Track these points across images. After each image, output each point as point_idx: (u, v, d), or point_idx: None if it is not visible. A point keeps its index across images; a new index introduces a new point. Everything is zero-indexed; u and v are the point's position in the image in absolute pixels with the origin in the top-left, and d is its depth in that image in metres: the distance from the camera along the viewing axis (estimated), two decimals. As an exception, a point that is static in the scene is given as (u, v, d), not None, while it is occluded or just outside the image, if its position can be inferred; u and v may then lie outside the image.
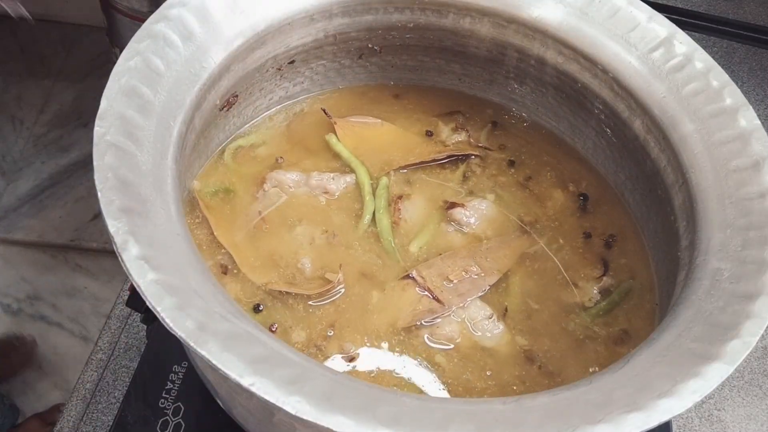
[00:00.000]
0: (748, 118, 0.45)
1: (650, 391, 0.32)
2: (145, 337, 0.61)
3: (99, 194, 0.35)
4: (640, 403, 0.31)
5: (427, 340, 0.47)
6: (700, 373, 0.33)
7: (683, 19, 0.88)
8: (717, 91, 0.46)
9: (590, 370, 0.46)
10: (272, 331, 0.46)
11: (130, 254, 0.33)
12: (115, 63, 0.41)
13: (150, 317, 0.58)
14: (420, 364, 0.46)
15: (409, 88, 0.61)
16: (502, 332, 0.48)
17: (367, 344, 0.46)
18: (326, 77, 0.59)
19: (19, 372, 1.40)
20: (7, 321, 1.48)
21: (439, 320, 0.47)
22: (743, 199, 0.42)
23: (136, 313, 0.64)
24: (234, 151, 0.55)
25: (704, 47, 0.49)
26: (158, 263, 0.33)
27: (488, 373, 0.46)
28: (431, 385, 0.45)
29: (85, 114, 1.82)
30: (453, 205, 0.53)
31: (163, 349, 0.57)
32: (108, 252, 1.57)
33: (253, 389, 0.30)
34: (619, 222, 0.54)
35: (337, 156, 0.56)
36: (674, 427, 0.61)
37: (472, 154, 0.57)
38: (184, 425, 0.53)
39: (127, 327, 0.64)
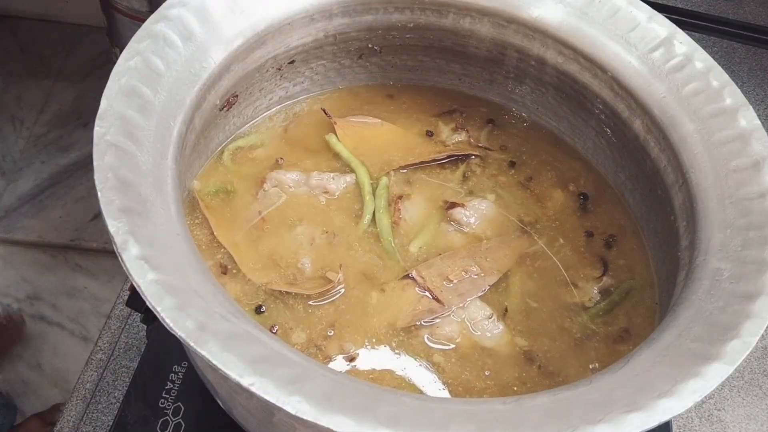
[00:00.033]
0: (748, 118, 0.45)
1: (650, 391, 0.32)
2: (145, 337, 0.61)
3: (99, 194, 0.35)
4: (640, 403, 0.31)
5: (426, 340, 0.47)
6: (700, 373, 0.33)
7: (683, 19, 0.88)
8: (717, 91, 0.46)
9: (590, 369, 0.46)
10: (272, 332, 0.46)
11: (130, 254, 0.33)
12: (115, 63, 0.41)
13: (150, 317, 0.58)
14: (420, 364, 0.46)
15: (402, 88, 0.61)
16: (501, 332, 0.48)
17: (367, 344, 0.46)
18: (326, 77, 0.59)
19: (9, 349, 1.41)
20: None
21: (438, 320, 0.47)
22: (743, 199, 0.42)
23: (136, 313, 0.64)
24: (233, 151, 0.55)
25: (704, 47, 0.49)
26: (158, 263, 0.33)
27: (488, 373, 0.46)
28: (431, 385, 0.45)
29: (85, 114, 1.82)
30: (453, 205, 0.53)
31: (163, 349, 0.57)
32: (108, 252, 1.57)
33: (253, 389, 0.30)
34: (619, 222, 0.54)
35: (337, 156, 0.56)
36: (674, 427, 0.61)
37: (472, 154, 0.57)
38: (184, 425, 0.53)
39: (127, 327, 0.64)
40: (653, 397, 0.32)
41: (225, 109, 0.52)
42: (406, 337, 0.47)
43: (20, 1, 1.96)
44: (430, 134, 0.58)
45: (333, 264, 0.49)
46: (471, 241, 0.52)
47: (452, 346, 0.47)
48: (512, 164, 0.57)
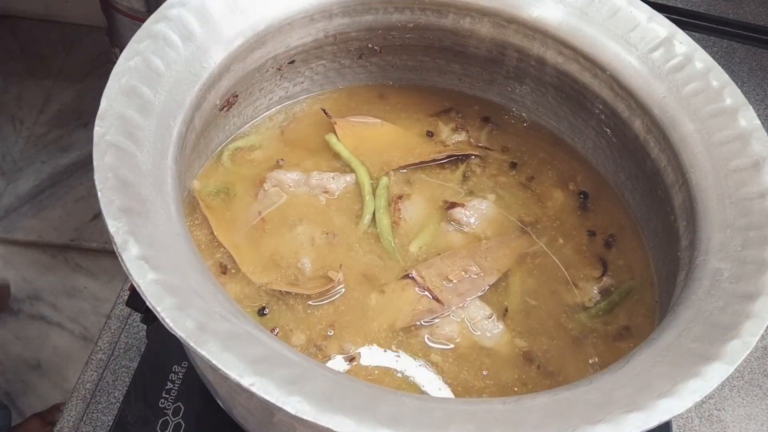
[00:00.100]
0: (748, 118, 0.45)
1: (650, 391, 0.32)
2: (145, 337, 0.61)
3: (99, 194, 0.35)
4: (640, 403, 0.31)
5: (426, 340, 0.47)
6: (700, 373, 0.33)
7: (683, 19, 0.88)
8: (717, 91, 0.46)
9: (590, 368, 0.46)
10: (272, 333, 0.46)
11: (130, 254, 0.33)
12: (115, 63, 0.41)
13: (150, 317, 0.58)
14: (420, 364, 0.46)
15: (395, 87, 0.61)
16: (501, 332, 0.48)
17: (367, 344, 0.46)
18: (326, 77, 0.59)
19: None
20: (7, 321, 1.48)
21: (438, 320, 0.47)
22: (743, 199, 0.42)
23: (136, 313, 0.64)
24: (232, 152, 0.55)
25: (704, 47, 0.49)
26: (158, 263, 0.33)
27: (488, 372, 0.46)
28: (431, 384, 0.45)
29: (85, 114, 1.82)
30: (453, 205, 0.53)
31: (163, 349, 0.57)
32: (108, 252, 1.57)
33: (253, 389, 0.30)
34: (619, 222, 0.54)
35: (337, 156, 0.56)
36: (674, 427, 0.61)
37: (472, 154, 0.57)
38: (184, 425, 0.53)
39: (127, 327, 0.64)
40: (653, 397, 0.32)
41: (225, 109, 0.52)
42: (405, 337, 0.47)
43: (20, 1, 1.96)
44: (430, 134, 0.58)
45: (333, 264, 0.49)
46: (471, 241, 0.52)
47: (452, 346, 0.47)
48: (513, 165, 0.57)
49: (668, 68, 0.48)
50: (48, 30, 1.97)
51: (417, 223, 0.53)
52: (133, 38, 0.43)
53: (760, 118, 0.45)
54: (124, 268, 0.33)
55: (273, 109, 0.58)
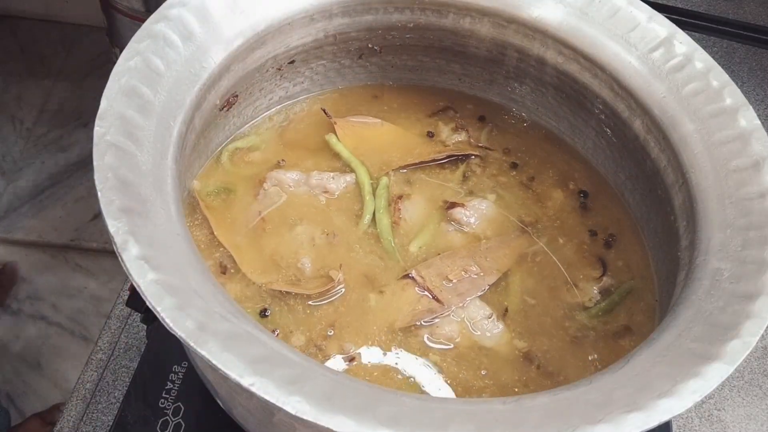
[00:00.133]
0: (748, 118, 0.45)
1: (650, 391, 0.32)
2: (145, 337, 0.61)
3: (99, 194, 0.35)
4: (640, 403, 0.31)
5: (426, 340, 0.47)
6: (700, 373, 0.33)
7: (683, 19, 0.88)
8: (717, 91, 0.46)
9: (590, 368, 0.46)
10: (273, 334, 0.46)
11: (130, 254, 0.33)
12: (115, 63, 0.41)
13: (150, 317, 0.58)
14: (420, 364, 0.46)
15: (387, 88, 0.61)
16: (501, 332, 0.48)
17: (367, 344, 0.46)
18: (326, 77, 0.59)
19: (7, 293, 1.49)
20: (7, 321, 1.48)
21: (438, 320, 0.47)
22: (743, 199, 0.42)
23: (136, 313, 0.64)
24: (232, 152, 0.55)
25: (704, 47, 0.49)
26: (158, 263, 0.33)
27: (488, 372, 0.46)
28: (431, 384, 0.45)
29: (85, 114, 1.82)
30: (453, 205, 0.53)
31: (163, 349, 0.57)
32: (108, 252, 1.57)
33: (253, 389, 0.30)
34: (619, 222, 0.54)
35: (337, 156, 0.56)
36: (674, 427, 0.61)
37: (472, 154, 0.57)
38: (184, 425, 0.53)
39: (127, 327, 0.64)
40: (653, 397, 0.32)
41: (225, 109, 0.52)
42: (405, 336, 0.47)
43: (20, 1, 1.96)
44: (430, 134, 0.58)
45: (333, 264, 0.49)
46: (471, 241, 0.52)
47: (452, 345, 0.47)
48: (513, 165, 0.57)
49: (668, 68, 0.48)
50: (48, 30, 1.97)
51: (417, 223, 0.53)
52: (133, 38, 0.43)
53: (760, 118, 0.45)
54: (124, 268, 0.33)
55: (273, 109, 0.58)
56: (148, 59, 0.42)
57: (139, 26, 0.44)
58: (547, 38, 0.53)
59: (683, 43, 0.49)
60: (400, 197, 0.53)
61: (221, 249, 0.49)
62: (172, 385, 0.55)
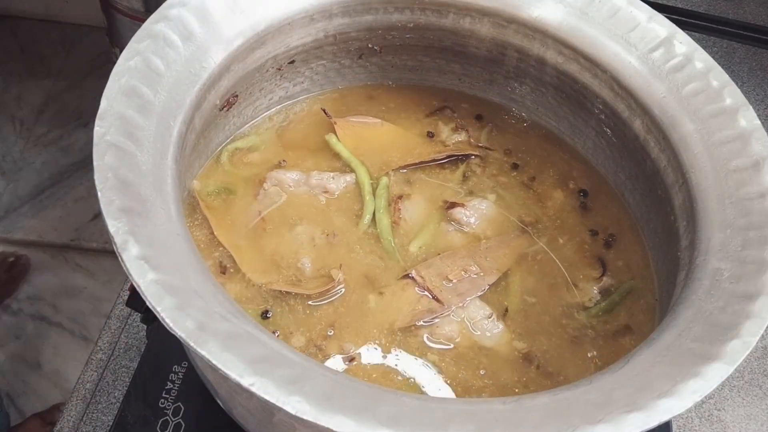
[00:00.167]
0: (748, 118, 0.45)
1: (650, 391, 0.32)
2: (145, 337, 0.61)
3: (99, 194, 0.35)
4: (640, 403, 0.31)
5: (426, 340, 0.47)
6: (700, 373, 0.33)
7: (683, 19, 0.88)
8: (717, 91, 0.46)
9: (590, 368, 0.46)
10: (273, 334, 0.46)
11: (130, 254, 0.33)
12: (115, 63, 0.41)
13: (150, 317, 0.58)
14: (420, 364, 0.46)
15: (384, 89, 0.61)
16: (501, 332, 0.48)
17: (367, 344, 0.46)
18: (326, 77, 0.59)
19: (19, 282, 1.52)
20: (7, 321, 1.48)
21: (438, 320, 0.47)
22: (743, 199, 0.42)
23: (136, 313, 0.64)
24: (231, 153, 0.55)
25: (704, 47, 0.49)
26: (158, 263, 0.33)
27: (488, 372, 0.46)
28: (431, 384, 0.45)
29: (85, 114, 1.82)
30: (453, 205, 0.53)
31: (163, 349, 0.57)
32: (108, 252, 1.57)
33: (253, 389, 0.30)
34: (619, 222, 0.54)
35: (337, 156, 0.56)
36: (674, 427, 0.61)
37: (472, 154, 0.57)
38: (184, 425, 0.53)
39: (127, 327, 0.64)
40: (653, 397, 0.32)
41: (225, 109, 0.52)
42: (405, 336, 0.47)
43: (20, 1, 1.96)
44: (430, 134, 0.58)
45: (333, 264, 0.49)
46: (471, 240, 0.52)
47: (452, 345, 0.47)
48: (513, 165, 0.57)
49: (668, 68, 0.48)
50: (48, 30, 1.97)
51: (417, 223, 0.53)
52: (133, 38, 0.43)
53: (760, 118, 0.45)
54: (124, 268, 0.33)
55: (273, 109, 0.58)
56: (148, 59, 0.42)
57: (139, 26, 0.44)
58: (547, 38, 0.53)
59: (683, 43, 0.49)
60: (400, 197, 0.53)
61: (221, 249, 0.49)
62: (172, 385, 0.55)
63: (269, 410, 0.36)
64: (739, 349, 0.34)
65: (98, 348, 0.63)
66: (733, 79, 0.47)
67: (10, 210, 1.65)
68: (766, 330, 0.36)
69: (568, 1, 0.52)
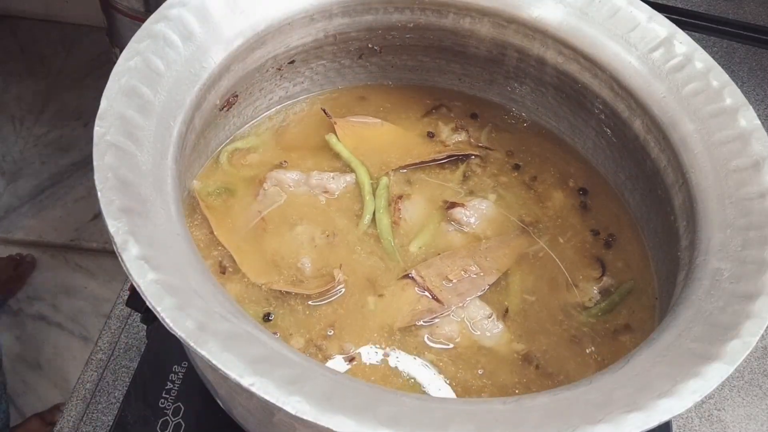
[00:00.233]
0: (748, 118, 0.45)
1: (650, 391, 0.32)
2: (145, 337, 0.61)
3: (99, 194, 0.35)
4: (640, 403, 0.31)
5: (426, 340, 0.47)
6: (700, 373, 0.33)
7: (683, 19, 0.88)
8: (717, 91, 0.46)
9: (590, 368, 0.46)
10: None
11: (130, 254, 0.33)
12: (115, 63, 0.41)
13: (150, 317, 0.58)
14: (420, 364, 0.46)
15: (377, 88, 0.61)
16: (501, 332, 0.48)
17: (367, 344, 0.46)
18: (326, 77, 0.59)
19: (25, 280, 1.53)
20: (7, 321, 1.49)
21: (438, 320, 0.47)
22: (743, 199, 0.42)
23: (136, 313, 0.64)
24: (231, 153, 0.55)
25: (704, 47, 0.49)
26: (158, 263, 0.33)
27: (487, 372, 0.46)
28: (431, 384, 0.45)
29: (85, 114, 1.82)
30: (453, 205, 0.53)
31: (163, 349, 0.57)
32: (108, 252, 1.57)
33: (253, 389, 0.30)
34: (618, 222, 0.54)
35: (337, 156, 0.56)
36: (674, 427, 0.61)
37: (472, 154, 0.57)
38: (184, 425, 0.53)
39: (127, 327, 0.64)
40: (653, 397, 0.32)
41: (225, 109, 0.52)
42: (405, 336, 0.47)
43: (20, 1, 1.96)
44: (430, 134, 0.58)
45: (333, 264, 0.49)
46: (471, 240, 0.52)
47: (452, 345, 0.47)
48: (514, 165, 0.57)
49: (668, 68, 0.48)
50: (48, 30, 1.97)
51: (417, 223, 0.53)
52: (133, 38, 0.43)
53: (760, 118, 0.45)
54: (124, 268, 0.33)
55: (273, 109, 0.58)
56: (148, 59, 0.42)
57: (139, 26, 0.44)
58: (547, 38, 0.53)
59: (683, 43, 0.49)
60: (400, 197, 0.53)
61: (221, 249, 0.49)
62: (172, 385, 0.55)
63: (269, 410, 0.36)
64: (739, 349, 0.34)
65: (98, 348, 0.63)
66: (733, 79, 0.47)
67: (10, 210, 1.65)
68: (766, 330, 0.36)
69: (568, 1, 0.52)
